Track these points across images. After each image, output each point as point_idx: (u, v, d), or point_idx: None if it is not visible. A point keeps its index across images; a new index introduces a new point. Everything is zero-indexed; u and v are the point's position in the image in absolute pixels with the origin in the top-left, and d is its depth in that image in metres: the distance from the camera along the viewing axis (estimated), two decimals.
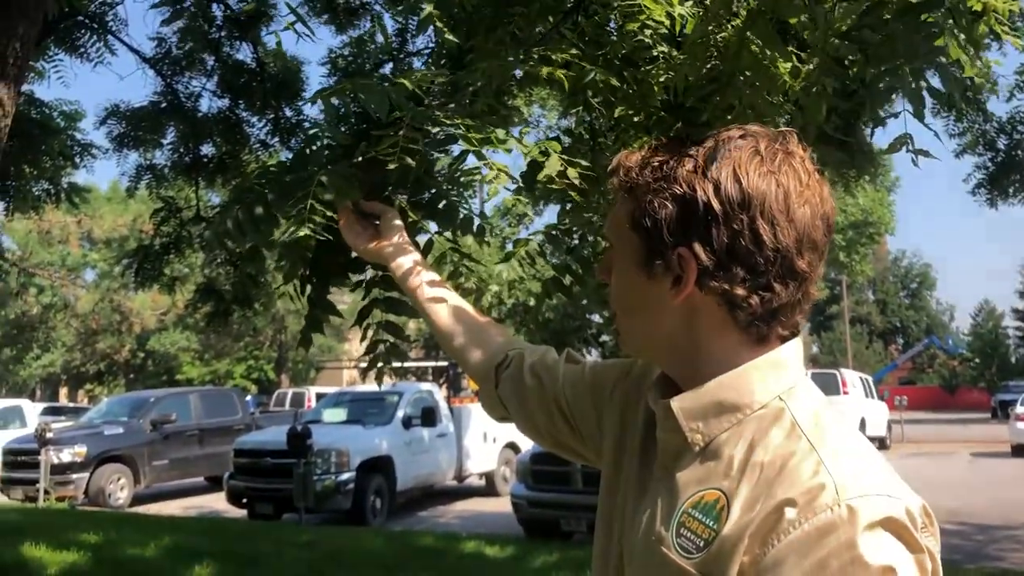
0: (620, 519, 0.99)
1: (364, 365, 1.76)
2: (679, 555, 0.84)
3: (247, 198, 1.64)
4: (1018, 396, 22.17)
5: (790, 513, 0.78)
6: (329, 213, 1.48)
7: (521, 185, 1.70)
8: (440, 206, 1.68)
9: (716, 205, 0.86)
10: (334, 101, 1.70)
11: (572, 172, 1.64)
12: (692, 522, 0.85)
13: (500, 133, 1.59)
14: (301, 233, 1.46)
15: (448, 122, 1.60)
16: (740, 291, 0.87)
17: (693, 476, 0.88)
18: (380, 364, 1.70)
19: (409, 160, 1.53)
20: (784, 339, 0.91)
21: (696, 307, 0.89)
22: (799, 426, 0.85)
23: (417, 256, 1.47)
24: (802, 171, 0.88)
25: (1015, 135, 6.36)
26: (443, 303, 1.39)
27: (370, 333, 1.69)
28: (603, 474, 1.08)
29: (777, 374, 0.89)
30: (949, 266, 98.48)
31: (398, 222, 1.51)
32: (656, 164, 0.91)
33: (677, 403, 0.90)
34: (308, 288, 1.66)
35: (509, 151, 1.63)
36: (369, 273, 1.68)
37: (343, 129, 1.72)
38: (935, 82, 1.61)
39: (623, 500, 1.00)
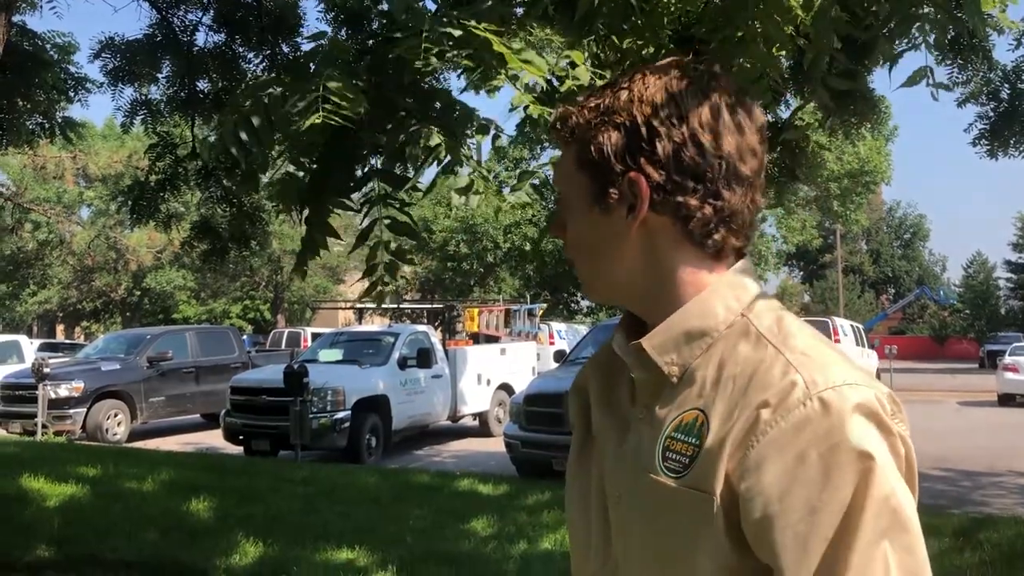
0: (599, 466, 1.00)
1: (360, 304, 1.76)
2: (667, 476, 0.87)
3: (253, 101, 1.60)
4: (1006, 347, 22.39)
5: (765, 414, 0.82)
6: (341, 103, 1.45)
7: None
8: (452, 116, 1.64)
9: (656, 123, 0.90)
10: None
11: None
12: (675, 444, 0.87)
13: (517, 43, 1.54)
14: (315, 120, 1.44)
15: (470, 25, 1.54)
16: (693, 201, 0.90)
17: (672, 405, 0.90)
18: (382, 285, 1.69)
19: (431, 60, 1.48)
20: (738, 251, 0.94)
21: (652, 230, 0.92)
22: (763, 336, 0.88)
23: None
24: (730, 89, 0.93)
25: (1019, 85, 6.27)
26: None
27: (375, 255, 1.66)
28: (571, 448, 1.08)
29: (736, 293, 0.92)
30: (943, 217, 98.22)
31: None
32: (592, 105, 0.94)
33: (647, 341, 0.92)
34: (306, 211, 1.64)
35: (524, 64, 1.56)
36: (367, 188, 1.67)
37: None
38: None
39: (601, 450, 1.01)
